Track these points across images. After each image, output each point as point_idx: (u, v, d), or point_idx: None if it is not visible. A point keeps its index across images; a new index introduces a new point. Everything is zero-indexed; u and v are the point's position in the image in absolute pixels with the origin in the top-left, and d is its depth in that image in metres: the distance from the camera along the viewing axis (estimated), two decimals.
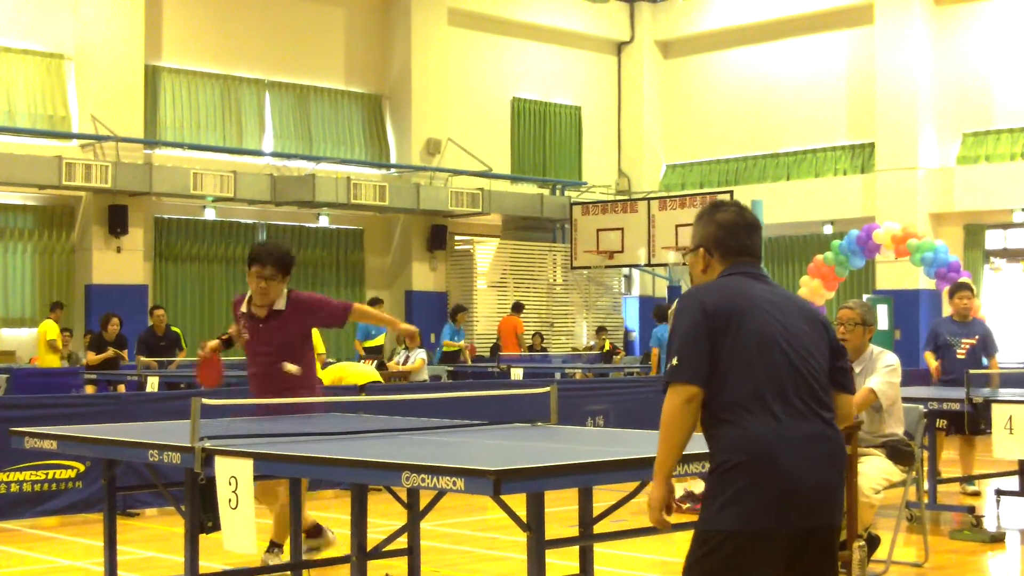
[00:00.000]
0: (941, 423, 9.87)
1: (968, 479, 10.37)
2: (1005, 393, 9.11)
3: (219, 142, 21.62)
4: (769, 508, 3.70)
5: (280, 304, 7.01)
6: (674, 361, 3.76)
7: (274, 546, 7.16)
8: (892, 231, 18.52)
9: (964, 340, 10.80)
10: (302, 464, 4.83)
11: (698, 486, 8.78)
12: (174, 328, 16.83)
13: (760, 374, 3.77)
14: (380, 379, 13.15)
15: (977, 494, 10.54)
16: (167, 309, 17.40)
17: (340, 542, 7.13)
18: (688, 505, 8.84)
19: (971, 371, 9.61)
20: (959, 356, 10.72)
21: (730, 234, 4.00)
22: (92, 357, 16.06)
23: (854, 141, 24.04)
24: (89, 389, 15.13)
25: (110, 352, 16.00)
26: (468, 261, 24.10)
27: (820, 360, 3.90)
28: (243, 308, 7.10)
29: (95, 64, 19.75)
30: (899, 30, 22.87)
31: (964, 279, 17.13)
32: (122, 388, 14.87)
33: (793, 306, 3.94)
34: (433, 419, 6.47)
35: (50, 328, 17.64)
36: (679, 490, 8.96)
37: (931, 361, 10.87)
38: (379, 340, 17.68)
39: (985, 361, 10.89)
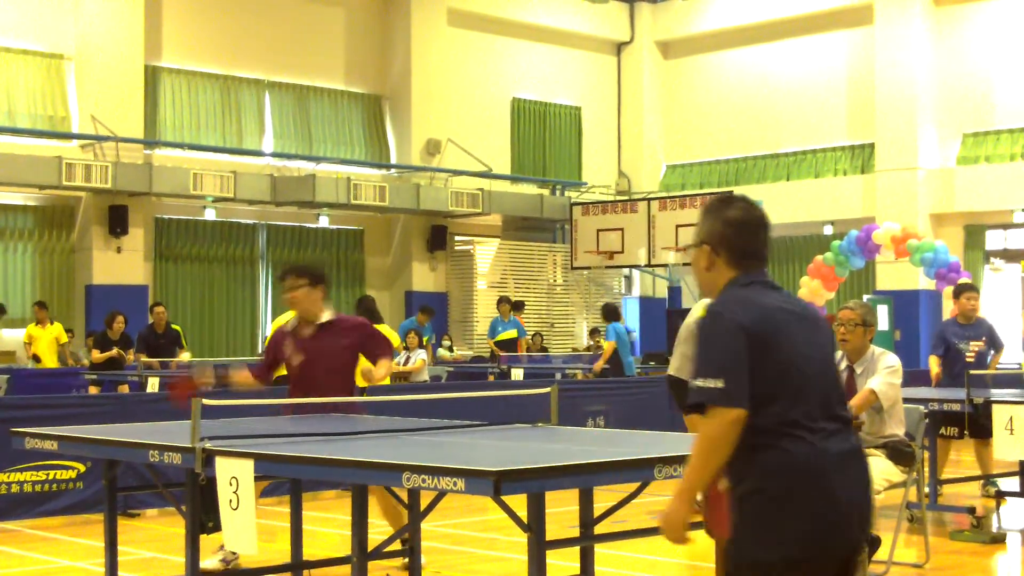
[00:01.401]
0: (952, 431, 9.75)
1: (978, 479, 10.32)
2: (1006, 394, 9.09)
3: (219, 142, 21.60)
4: (820, 534, 3.59)
5: (325, 317, 7.09)
6: (719, 383, 3.54)
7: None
8: (892, 231, 18.53)
9: (973, 343, 10.69)
10: (302, 464, 4.82)
11: None
12: (174, 326, 16.75)
13: (798, 395, 3.64)
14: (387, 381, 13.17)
15: (993, 495, 10.47)
16: (167, 310, 17.39)
17: (340, 542, 7.11)
18: None
19: (972, 372, 9.57)
20: (968, 360, 10.58)
21: (738, 234, 3.80)
22: (96, 355, 16.05)
23: (854, 141, 24.03)
24: (93, 390, 15.10)
25: (114, 351, 15.98)
26: (468, 261, 24.08)
27: (835, 368, 3.84)
28: (288, 331, 7.17)
29: (95, 64, 19.74)
30: (899, 30, 22.86)
31: (964, 279, 17.19)
32: (125, 388, 14.85)
33: (810, 316, 3.82)
34: (434, 419, 6.47)
35: (26, 330, 17.75)
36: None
37: (934, 367, 10.77)
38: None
39: (992, 354, 10.85)
